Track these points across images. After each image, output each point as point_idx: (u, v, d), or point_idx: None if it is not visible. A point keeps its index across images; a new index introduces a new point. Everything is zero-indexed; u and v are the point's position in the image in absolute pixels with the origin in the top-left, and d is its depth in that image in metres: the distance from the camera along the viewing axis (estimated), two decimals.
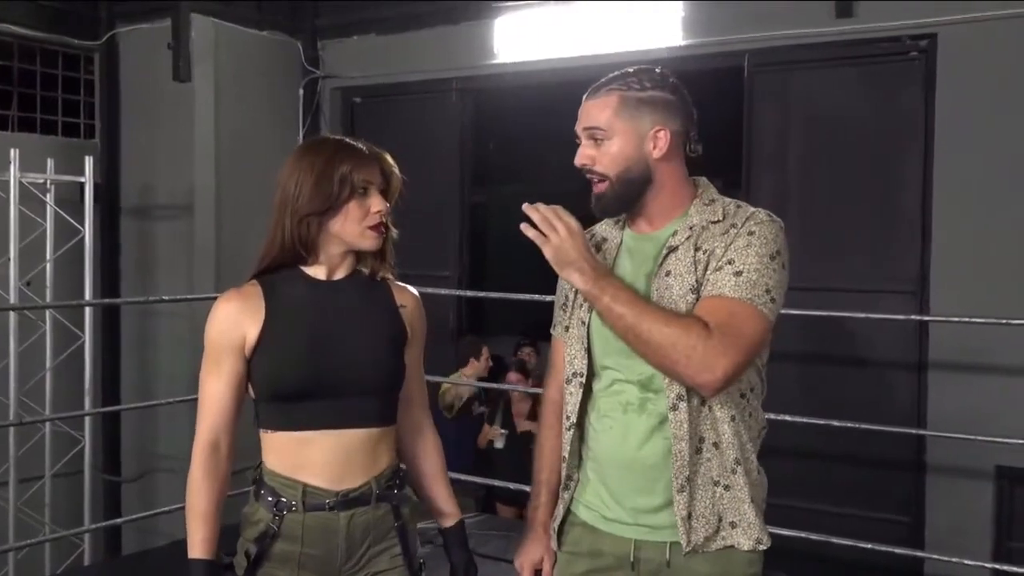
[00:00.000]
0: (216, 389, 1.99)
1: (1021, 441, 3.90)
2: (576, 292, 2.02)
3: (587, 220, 2.04)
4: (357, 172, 1.97)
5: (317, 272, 2.04)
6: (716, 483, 1.88)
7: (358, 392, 1.98)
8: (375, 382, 2.01)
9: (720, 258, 1.85)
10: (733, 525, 1.89)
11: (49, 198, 6.10)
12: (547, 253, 1.85)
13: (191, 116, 6.36)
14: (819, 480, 5.10)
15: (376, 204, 1.99)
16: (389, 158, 2.06)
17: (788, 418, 4.20)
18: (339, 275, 2.05)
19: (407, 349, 2.09)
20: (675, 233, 1.92)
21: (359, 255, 2.07)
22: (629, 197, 1.95)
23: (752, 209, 1.93)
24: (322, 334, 1.98)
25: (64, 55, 6.75)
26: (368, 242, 2.01)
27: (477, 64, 6.32)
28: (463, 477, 5.17)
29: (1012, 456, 4.41)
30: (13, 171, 5.78)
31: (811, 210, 5.31)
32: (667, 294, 1.87)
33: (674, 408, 1.86)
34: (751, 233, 1.86)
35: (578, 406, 1.99)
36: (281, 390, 1.96)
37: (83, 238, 6.17)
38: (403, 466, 2.14)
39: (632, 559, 1.92)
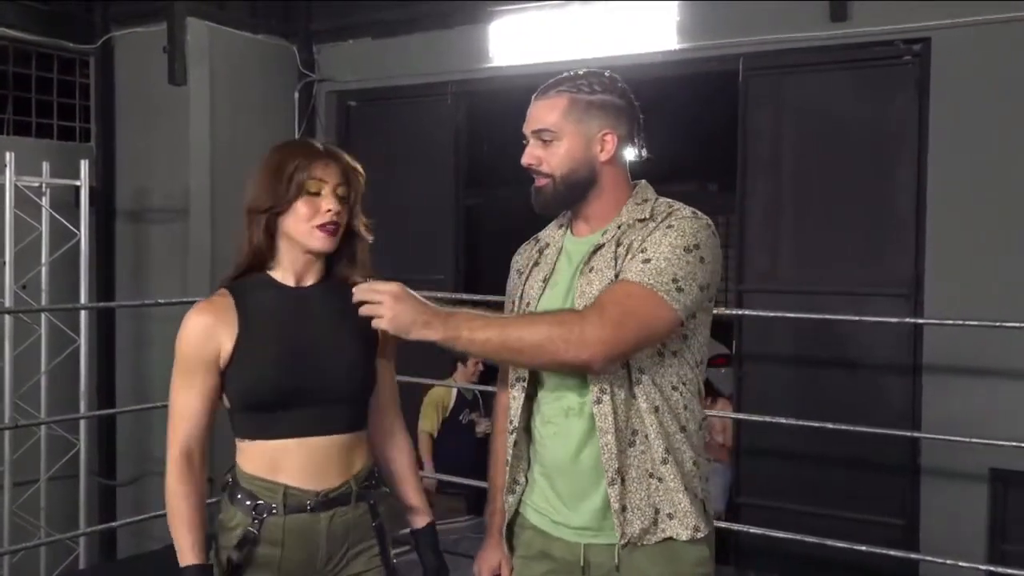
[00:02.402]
0: (189, 403, 1.98)
1: (1015, 444, 3.92)
2: (520, 294, 2.04)
3: (543, 221, 2.08)
4: (306, 170, 1.94)
5: (285, 277, 2.01)
6: (651, 475, 1.88)
7: (330, 400, 1.98)
8: (347, 390, 2.01)
9: (636, 250, 1.87)
10: (671, 516, 1.89)
11: (44, 201, 6.09)
12: (389, 327, 1.81)
13: (186, 119, 6.35)
14: (814, 483, 5.10)
15: (327, 203, 1.95)
16: (348, 157, 2.02)
17: (783, 421, 4.21)
18: (309, 281, 2.03)
19: (379, 353, 2.08)
20: (604, 232, 1.94)
21: (330, 260, 2.04)
22: (570, 198, 1.97)
23: (679, 206, 1.94)
24: (294, 345, 1.97)
25: (59, 58, 6.74)
26: (316, 243, 1.97)
27: (472, 67, 6.32)
28: (456, 479, 5.18)
29: (1006, 459, 4.41)
30: (9, 174, 5.77)
31: (806, 213, 5.31)
32: (588, 289, 1.88)
33: (598, 401, 1.87)
34: (669, 227, 1.88)
35: (520, 411, 2.00)
36: (255, 402, 1.96)
37: (78, 241, 6.15)
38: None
39: (583, 563, 1.93)
